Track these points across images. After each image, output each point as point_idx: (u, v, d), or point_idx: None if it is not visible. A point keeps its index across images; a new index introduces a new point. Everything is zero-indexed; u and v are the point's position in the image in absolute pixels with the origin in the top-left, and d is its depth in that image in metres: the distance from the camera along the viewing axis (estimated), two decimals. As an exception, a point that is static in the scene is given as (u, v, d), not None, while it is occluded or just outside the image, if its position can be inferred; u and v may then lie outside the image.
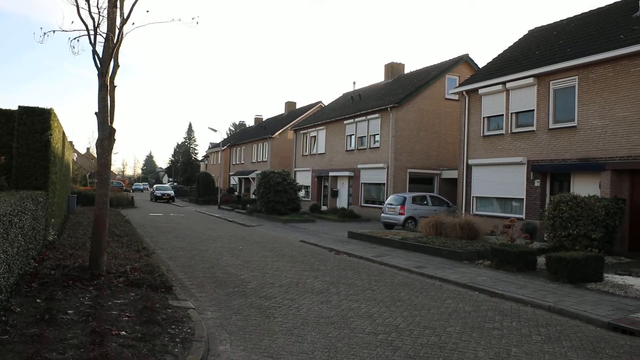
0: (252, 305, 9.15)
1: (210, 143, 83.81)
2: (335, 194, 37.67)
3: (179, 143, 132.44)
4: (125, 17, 9.81)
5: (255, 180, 42.40)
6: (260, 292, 10.31)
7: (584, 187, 18.33)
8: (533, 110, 20.73)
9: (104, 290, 8.65)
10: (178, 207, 44.80)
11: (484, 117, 23.30)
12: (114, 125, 9.94)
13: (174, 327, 7.14)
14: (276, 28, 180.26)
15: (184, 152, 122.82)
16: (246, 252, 16.42)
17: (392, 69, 40.17)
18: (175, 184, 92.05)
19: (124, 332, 6.60)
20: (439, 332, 7.78)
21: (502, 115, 22.25)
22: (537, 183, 20.34)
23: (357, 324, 8.11)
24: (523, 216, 20.66)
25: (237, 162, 62.91)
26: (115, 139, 9.91)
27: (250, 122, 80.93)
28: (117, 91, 10.10)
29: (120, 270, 10.17)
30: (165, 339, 6.58)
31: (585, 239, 15.02)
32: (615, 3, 22.26)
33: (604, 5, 22.97)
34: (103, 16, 9.80)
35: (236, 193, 55.60)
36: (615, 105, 17.58)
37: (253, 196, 39.27)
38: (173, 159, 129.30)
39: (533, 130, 20.67)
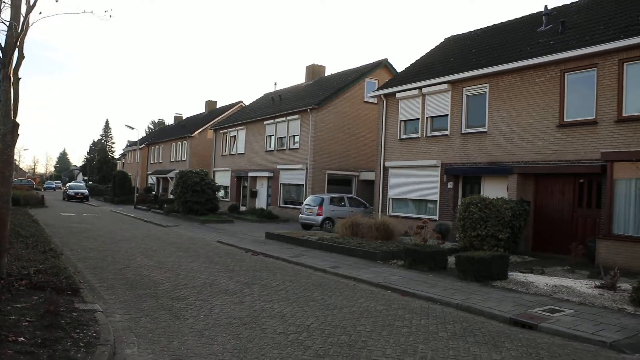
0: (163, 307, 8.98)
1: (128, 141, 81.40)
2: (254, 194, 37.53)
3: (95, 140, 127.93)
4: (31, 4, 9.35)
5: (174, 179, 41.53)
6: (173, 294, 10.13)
7: (493, 190, 19.22)
8: (447, 115, 21.50)
9: (3, 294, 8.21)
10: (92, 207, 43.20)
11: (401, 121, 23.92)
12: (18, 120, 9.47)
13: (78, 331, 6.87)
14: (198, 25, 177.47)
15: (100, 150, 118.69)
16: (160, 253, 16.07)
17: (313, 70, 40.52)
18: (91, 182, 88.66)
19: (22, 338, 6.27)
20: (349, 331, 7.93)
21: (418, 119, 22.93)
22: (450, 185, 21.10)
23: (269, 324, 8.12)
24: (437, 217, 21.37)
25: (156, 161, 61.42)
26: (19, 134, 9.42)
27: (169, 121, 79.23)
28: (30, 84, 9.62)
29: (22, 273, 9.64)
30: (68, 343, 6.32)
31: (493, 239, 15.74)
32: (523, 17, 23.49)
33: (513, 18, 24.21)
34: (6, 3, 9.30)
35: (154, 193, 54.27)
36: (522, 112, 18.53)
37: (171, 196, 38.50)
38: (88, 156, 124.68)
39: (447, 135, 21.43)
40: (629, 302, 10.13)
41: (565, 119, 17.28)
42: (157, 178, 58.73)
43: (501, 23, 24.51)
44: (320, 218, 24.94)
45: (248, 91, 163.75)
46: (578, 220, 17.12)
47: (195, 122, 57.11)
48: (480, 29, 25.59)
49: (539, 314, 9.10)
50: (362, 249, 16.11)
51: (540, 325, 8.47)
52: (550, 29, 20.10)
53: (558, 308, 9.57)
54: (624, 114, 15.72)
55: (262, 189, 36.97)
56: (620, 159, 14.95)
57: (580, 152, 16.67)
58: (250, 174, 37.52)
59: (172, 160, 55.25)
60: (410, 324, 8.54)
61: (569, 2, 22.00)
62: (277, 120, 34.97)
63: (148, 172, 63.07)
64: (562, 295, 10.77)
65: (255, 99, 47.21)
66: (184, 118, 68.99)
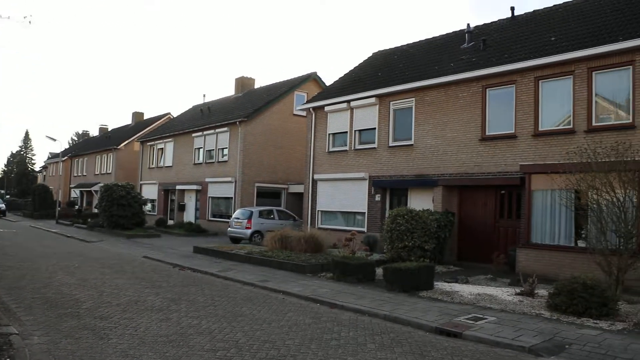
0: (85, 327, 8.62)
1: (50, 153, 78.03)
2: (182, 207, 36.85)
3: (14, 152, 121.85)
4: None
5: (98, 193, 40.19)
6: (96, 312, 9.75)
7: (420, 202, 19.68)
8: (375, 128, 21.88)
9: None
10: (10, 222, 41.16)
11: (329, 134, 24.16)
12: None
13: (-10, 355, 6.50)
14: (123, 34, 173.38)
15: (19, 162, 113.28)
16: (83, 270, 15.47)
17: (243, 83, 40.35)
18: (8, 196, 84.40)
19: None
20: (278, 345, 7.87)
21: (347, 132, 23.23)
22: (377, 198, 21.44)
23: (196, 341, 7.95)
24: (365, 229, 21.65)
25: (79, 174, 59.24)
26: None
27: (94, 132, 76.60)
28: None
29: None
30: (-22, 370, 5.97)
31: (420, 250, 16.08)
32: (448, 34, 24.33)
33: (438, 35, 24.99)
34: None
35: (77, 207, 52.29)
36: (446, 126, 19.12)
37: (96, 210, 37.23)
38: (6, 169, 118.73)
39: (375, 148, 21.80)
40: (545, 307, 10.61)
41: (487, 133, 17.96)
42: (81, 192, 56.63)
43: (427, 39, 25.26)
44: (249, 231, 24.75)
45: (176, 103, 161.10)
46: (500, 230, 17.79)
47: (122, 133, 55.58)
48: (407, 44, 26.27)
49: (464, 323, 9.36)
50: (291, 262, 16.09)
51: (464, 333, 8.71)
52: (472, 46, 20.90)
53: (481, 316, 9.88)
54: (540, 129, 16.53)
55: (190, 202, 36.35)
56: (537, 171, 15.66)
57: (501, 165, 17.36)
58: (178, 187, 36.84)
59: (96, 173, 53.47)
60: (339, 336, 8.58)
61: (489, 22, 22.99)
62: (205, 132, 34.55)
63: (71, 186, 60.69)
64: (485, 303, 11.13)
65: (183, 111, 46.50)
66: (109, 130, 66.91)
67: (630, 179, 11.71)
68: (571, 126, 15.85)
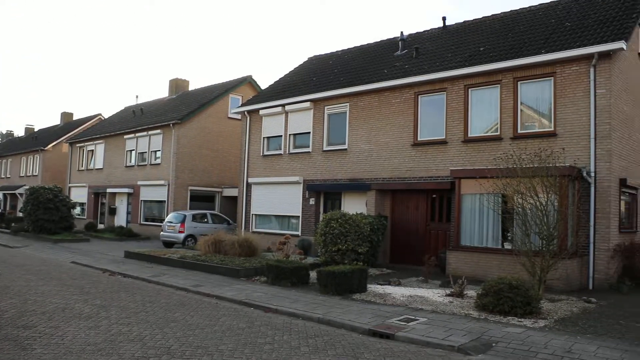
0: (7, 338, 8.22)
1: (-32, 154, 74.15)
2: (113, 211, 35.84)
3: None
4: None
5: (24, 196, 38.48)
6: (19, 322, 9.33)
7: (353, 205, 19.94)
8: (309, 132, 22.02)
9: None
10: None
11: (264, 137, 24.12)
12: None
13: None
14: (51, 31, 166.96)
15: None
16: (6, 277, 14.79)
17: (177, 85, 39.68)
18: None
19: None
20: (211, 351, 7.78)
21: (281, 136, 23.27)
22: (312, 201, 21.57)
23: (126, 348, 7.75)
24: (299, 233, 21.73)
25: (3, 176, 56.47)
26: None
27: (19, 132, 73.33)
28: None
29: None
30: None
31: (353, 253, 16.28)
32: (382, 41, 24.80)
33: (372, 42, 25.43)
34: None
35: (0, 211, 49.87)
36: (379, 131, 19.47)
37: (20, 214, 35.60)
38: None
39: (309, 152, 21.93)
40: (474, 307, 10.98)
41: (419, 138, 18.43)
42: (5, 194, 54.01)
43: (361, 46, 25.66)
44: (182, 235, 24.34)
45: (108, 104, 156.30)
46: (431, 233, 18.26)
47: (49, 134, 53.42)
48: (342, 50, 26.60)
49: (396, 324, 9.55)
50: (225, 266, 15.94)
51: (397, 335, 8.89)
52: (405, 53, 21.40)
53: (413, 317, 10.10)
54: (469, 135, 17.13)
55: (121, 205, 35.41)
56: (467, 176, 16.17)
57: (432, 170, 17.84)
58: (109, 190, 35.80)
59: (21, 175, 51.15)
60: (273, 340, 8.57)
61: (422, 30, 23.60)
62: (138, 134, 33.77)
63: (-8, 188, 57.84)
64: (417, 304, 11.39)
65: (115, 112, 45.23)
66: (36, 130, 64.16)
67: (552, 184, 12.29)
68: (498, 133, 16.50)
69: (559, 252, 12.31)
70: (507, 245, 14.97)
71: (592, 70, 14.85)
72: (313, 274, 14.43)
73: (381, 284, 14.03)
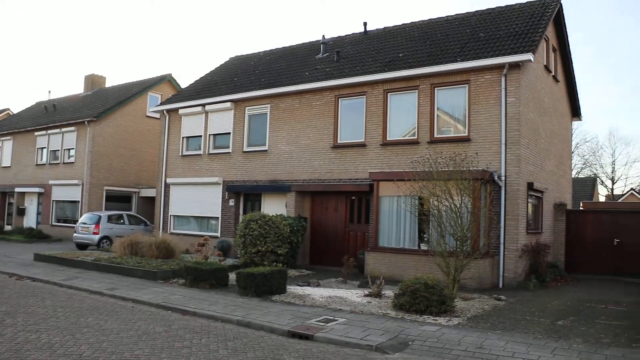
0: None
1: None
2: (22, 212, 34.01)
3: None
4: None
5: None
6: None
7: (273, 207, 19.93)
8: (230, 133, 21.80)
9: None
10: None
11: (183, 137, 23.65)
12: None
13: None
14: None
15: None
16: None
17: (93, 81, 38.13)
18: None
19: None
20: (126, 356, 7.52)
21: (201, 136, 22.90)
22: (231, 202, 21.35)
23: (34, 357, 7.34)
24: (219, 234, 21.46)
25: None
26: None
27: None
28: None
29: None
30: None
31: (273, 255, 16.26)
32: (304, 43, 24.93)
33: (295, 44, 25.51)
34: None
35: None
36: (300, 133, 19.56)
37: None
38: None
39: (229, 152, 21.71)
40: (391, 307, 11.23)
41: (339, 141, 18.66)
42: None
43: (283, 47, 25.68)
44: (97, 237, 23.44)
45: (17, 98, 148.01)
46: (350, 235, 18.53)
47: (-53, 130, 49.99)
48: (264, 51, 26.51)
49: (315, 325, 9.61)
50: (142, 269, 15.49)
51: (316, 335, 8.95)
52: (327, 56, 21.62)
53: (332, 318, 10.20)
54: (388, 139, 17.54)
55: (31, 206, 33.66)
56: (385, 179, 16.52)
57: (351, 172, 18.10)
58: (17, 189, 33.93)
59: None
60: (191, 343, 8.40)
61: (344, 34, 23.91)
62: (50, 131, 32.22)
63: None
64: (336, 305, 11.51)
65: (25, 107, 42.91)
66: None
67: (466, 187, 12.78)
68: (416, 137, 16.98)
69: (472, 252, 12.82)
70: (423, 246, 15.45)
71: (503, 79, 15.57)
72: (232, 276, 14.28)
73: (301, 285, 14.09)
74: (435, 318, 10.38)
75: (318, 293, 12.86)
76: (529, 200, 16.64)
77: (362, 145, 18.04)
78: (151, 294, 12.57)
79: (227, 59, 27.93)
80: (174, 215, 23.74)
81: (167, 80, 32.99)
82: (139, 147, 31.02)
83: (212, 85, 24.21)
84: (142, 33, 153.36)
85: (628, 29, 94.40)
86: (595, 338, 9.15)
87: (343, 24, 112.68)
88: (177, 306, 11.28)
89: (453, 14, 21.11)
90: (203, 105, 22.66)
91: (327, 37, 23.17)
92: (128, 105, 30.94)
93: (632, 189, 54.76)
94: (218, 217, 21.89)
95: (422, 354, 8.08)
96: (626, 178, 61.15)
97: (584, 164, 58.04)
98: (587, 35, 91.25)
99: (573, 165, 54.50)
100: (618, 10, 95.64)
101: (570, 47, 20.75)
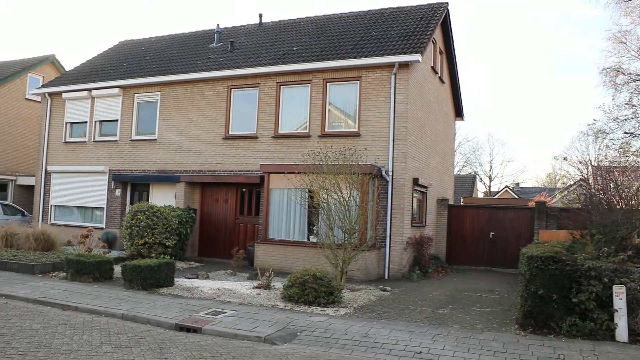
0: None
1: None
2: None
3: None
4: None
5: None
6: None
7: (162, 198, 19.44)
8: (117, 120, 20.94)
9: None
10: None
11: (67, 123, 22.40)
12: None
13: None
14: None
15: None
16: None
17: (-38, 58, 35.17)
18: None
19: None
20: (-1, 355, 7.11)
21: (87, 122, 21.81)
22: (118, 192, 20.56)
23: None
24: (104, 225, 20.61)
25: None
26: None
27: None
28: None
29: None
30: None
31: (161, 247, 15.88)
32: (197, 31, 24.43)
33: (188, 32, 24.92)
34: None
35: None
36: (191, 123, 19.19)
37: None
38: None
39: (116, 140, 20.87)
40: (280, 299, 11.36)
41: (230, 132, 18.51)
42: None
43: (176, 34, 25.01)
44: (-35, 228, 21.68)
45: None
46: (240, 227, 18.48)
47: None
48: (156, 37, 25.67)
49: (204, 317, 9.53)
50: (18, 262, 14.54)
51: (204, 328, 8.88)
52: (221, 46, 21.33)
53: (221, 310, 10.17)
54: (279, 131, 17.64)
55: None
56: (276, 171, 16.62)
57: (242, 164, 18.04)
58: None
59: None
60: (72, 340, 8.05)
61: (238, 25, 23.69)
62: None
63: None
64: (225, 297, 11.47)
65: None
66: None
67: (354, 181, 13.15)
68: (307, 131, 17.20)
69: (360, 244, 13.23)
70: (313, 239, 15.73)
71: (393, 78, 16.14)
72: (118, 269, 13.80)
73: (189, 278, 13.89)
74: (323, 309, 10.64)
75: (207, 285, 12.74)
76: (414, 195, 17.40)
77: (254, 137, 18.02)
78: (28, 289, 11.86)
79: (117, 43, 26.77)
80: (55, 205, 22.45)
81: (50, 61, 31.00)
82: (18, 131, 28.95)
83: (100, 69, 23.10)
84: (23, 10, 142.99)
85: (512, 39, 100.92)
86: (471, 324, 9.80)
87: (238, 14, 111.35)
88: (57, 301, 10.75)
89: (347, 11, 21.55)
90: (89, 90, 21.57)
91: (221, 26, 22.84)
92: (5, 85, 28.72)
93: (506, 186, 58.92)
94: (103, 208, 21.00)
95: (310, 344, 8.26)
96: (502, 176, 65.61)
97: (465, 162, 61.61)
98: (471, 42, 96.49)
99: (455, 162, 57.66)
100: (504, 22, 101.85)
101: (455, 51, 21.88)
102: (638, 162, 20.76)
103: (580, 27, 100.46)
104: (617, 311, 8.70)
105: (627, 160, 19.25)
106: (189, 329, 8.96)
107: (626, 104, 21.87)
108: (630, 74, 22.10)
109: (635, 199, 14.25)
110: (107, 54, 25.42)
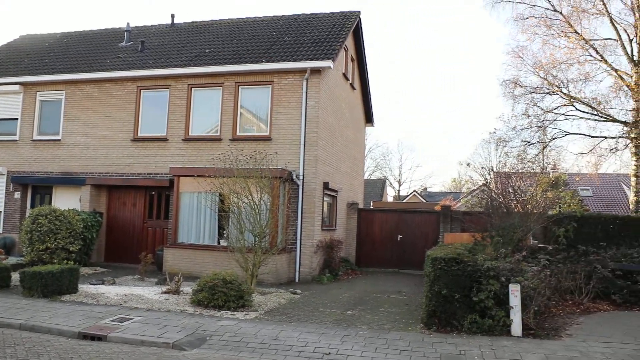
0: None
1: None
2: None
3: None
4: None
5: None
6: None
7: (66, 201, 18.66)
8: (17, 119, 19.87)
9: None
10: None
11: (-40, 121, 21.00)
12: None
13: None
14: None
15: None
16: None
17: None
18: None
19: None
20: None
21: (-18, 120, 20.55)
22: (17, 195, 19.52)
23: None
24: (1, 230, 19.48)
25: None
26: None
27: None
28: None
29: None
30: None
31: (64, 252, 15.25)
32: (106, 29, 23.62)
33: (96, 29, 24.03)
34: None
35: None
36: (98, 123, 18.57)
37: None
38: None
39: (16, 140, 19.79)
40: (190, 303, 11.24)
41: (139, 134, 18.08)
42: None
43: (84, 31, 24.01)
44: None
45: None
46: (149, 231, 18.07)
47: None
48: (61, 33, 24.52)
49: (109, 325, 9.28)
50: None
51: (109, 336, 8.66)
52: (131, 45, 20.75)
53: (127, 316, 9.93)
54: (190, 134, 17.43)
55: None
56: (186, 174, 16.40)
57: (152, 166, 17.66)
58: None
59: None
60: (-39, 353, 7.63)
61: (149, 24, 23.12)
62: None
63: None
64: (132, 303, 11.20)
65: None
66: None
67: (265, 185, 13.24)
68: (219, 134, 17.10)
69: (270, 248, 13.32)
70: (223, 242, 15.66)
71: (304, 83, 16.37)
72: (16, 276, 13.11)
73: (94, 284, 13.43)
74: (233, 313, 10.63)
75: (113, 291, 12.38)
76: (325, 199, 17.70)
77: (164, 139, 17.68)
78: None
79: (17, 37, 25.39)
80: (-56, 208, 20.99)
81: (-60, 54, 28.96)
82: None
83: (-3, 64, 21.84)
84: None
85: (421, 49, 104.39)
86: (379, 324, 10.13)
87: (150, 14, 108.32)
88: (-55, 311, 10.11)
89: (261, 15, 21.58)
90: (-16, 86, 20.34)
91: (132, 25, 22.21)
92: None
93: (415, 190, 60.99)
94: (0, 211, 19.84)
95: (220, 348, 8.26)
96: (411, 181, 67.81)
97: (375, 167, 63.14)
98: (383, 50, 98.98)
99: (366, 167, 58.99)
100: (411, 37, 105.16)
101: (367, 59, 22.45)
102: (534, 168, 22.27)
103: (486, 40, 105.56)
104: (512, 308, 9.28)
105: (524, 167, 20.53)
106: (93, 337, 8.70)
107: (523, 114, 23.26)
108: (526, 86, 23.55)
109: (530, 203, 15.25)
110: (6, 48, 24.03)
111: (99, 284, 13.46)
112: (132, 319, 9.79)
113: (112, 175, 18.13)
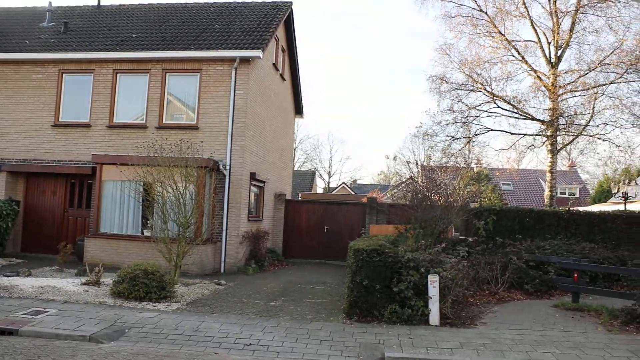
0: None
1: None
2: None
3: None
4: None
5: None
6: None
7: (-21, 188, 17.75)
8: None
9: None
10: None
11: None
12: None
13: None
14: None
15: None
16: None
17: None
18: None
19: None
20: None
21: None
22: None
23: None
24: None
25: None
26: None
27: None
28: None
29: None
30: None
31: (-24, 242, 14.56)
32: (26, 8, 22.44)
33: (15, 6, 22.85)
34: None
35: None
36: (16, 107, 17.74)
37: None
38: None
39: None
40: (110, 295, 10.98)
41: (60, 119, 17.43)
42: None
43: (1, 8, 22.80)
44: None
45: None
46: (69, 220, 17.48)
47: None
48: (-25, 10, 23.23)
49: (21, 318, 8.93)
50: None
51: (21, 330, 8.32)
52: (53, 26, 19.85)
53: (42, 309, 9.58)
54: (115, 121, 16.96)
55: None
56: (109, 162, 15.94)
57: (73, 153, 17.06)
58: None
59: None
60: None
61: (74, 5, 22.15)
62: None
63: None
64: (49, 295, 10.82)
65: None
66: None
67: (190, 175, 13.06)
68: (144, 121, 16.72)
69: (195, 238, 13.17)
70: (147, 233, 15.37)
71: (233, 72, 16.21)
72: None
73: (8, 276, 12.87)
74: (154, 304, 10.47)
75: (28, 283, 11.91)
76: (252, 189, 17.64)
77: (87, 125, 17.10)
78: None
79: None
80: None
81: None
82: None
83: None
84: None
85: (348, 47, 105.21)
86: (301, 315, 10.23)
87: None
88: None
89: (192, 1, 21.09)
90: None
91: (54, 5, 21.24)
92: None
93: (344, 182, 61.66)
94: None
95: (139, 340, 8.12)
96: (340, 173, 68.65)
97: (306, 158, 63.40)
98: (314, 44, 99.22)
99: (296, 159, 59.19)
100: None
101: (298, 50, 22.43)
102: (458, 162, 22.96)
103: (416, 37, 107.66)
104: (431, 298, 9.59)
105: (448, 161, 21.14)
106: (3, 332, 8.33)
107: (448, 109, 23.84)
108: (452, 83, 24.15)
109: (453, 196, 15.77)
110: None
111: (13, 276, 12.91)
112: (48, 311, 9.46)
113: (31, 162, 17.37)
